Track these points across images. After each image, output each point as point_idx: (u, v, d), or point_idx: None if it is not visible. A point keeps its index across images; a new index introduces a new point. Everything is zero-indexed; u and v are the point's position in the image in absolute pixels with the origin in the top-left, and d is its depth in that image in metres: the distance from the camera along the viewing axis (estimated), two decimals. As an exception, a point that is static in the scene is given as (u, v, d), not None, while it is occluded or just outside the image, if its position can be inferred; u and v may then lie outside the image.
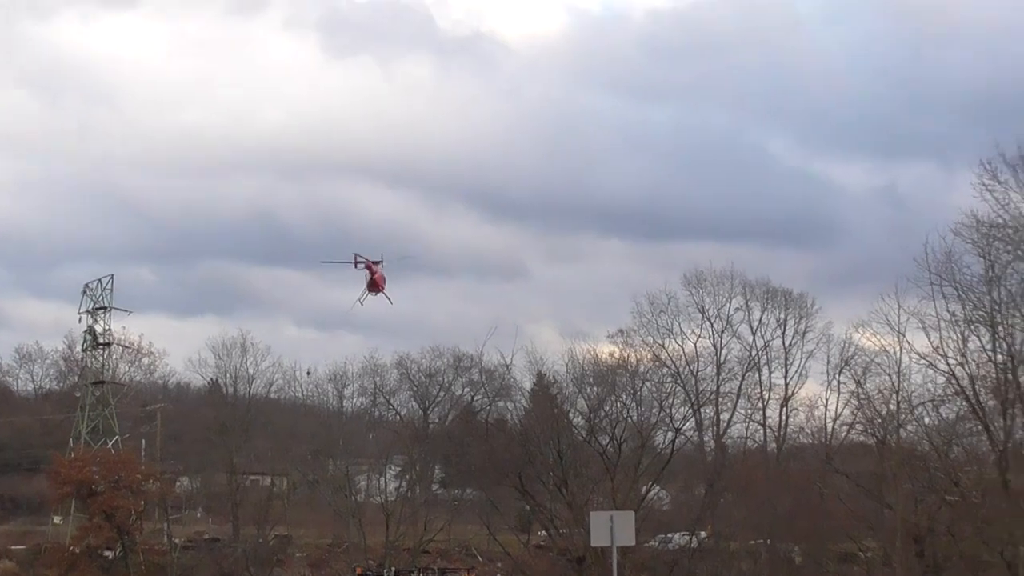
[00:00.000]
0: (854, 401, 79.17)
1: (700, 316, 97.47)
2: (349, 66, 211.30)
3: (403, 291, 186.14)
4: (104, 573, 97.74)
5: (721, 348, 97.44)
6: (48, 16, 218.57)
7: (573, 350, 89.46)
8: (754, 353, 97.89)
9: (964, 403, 61.66)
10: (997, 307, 61.35)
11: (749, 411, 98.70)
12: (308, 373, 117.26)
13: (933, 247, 62.16)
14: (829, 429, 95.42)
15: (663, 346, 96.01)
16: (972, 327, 61.75)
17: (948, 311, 61.50)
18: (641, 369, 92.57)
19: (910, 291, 64.87)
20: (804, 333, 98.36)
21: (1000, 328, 61.24)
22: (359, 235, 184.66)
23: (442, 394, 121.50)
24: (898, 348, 66.60)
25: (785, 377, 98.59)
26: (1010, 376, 61.11)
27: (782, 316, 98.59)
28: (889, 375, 69.68)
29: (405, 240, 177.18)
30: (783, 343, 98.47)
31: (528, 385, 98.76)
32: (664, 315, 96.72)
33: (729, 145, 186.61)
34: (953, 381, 61.59)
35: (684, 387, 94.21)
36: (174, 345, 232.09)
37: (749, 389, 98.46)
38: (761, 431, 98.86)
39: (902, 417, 68.67)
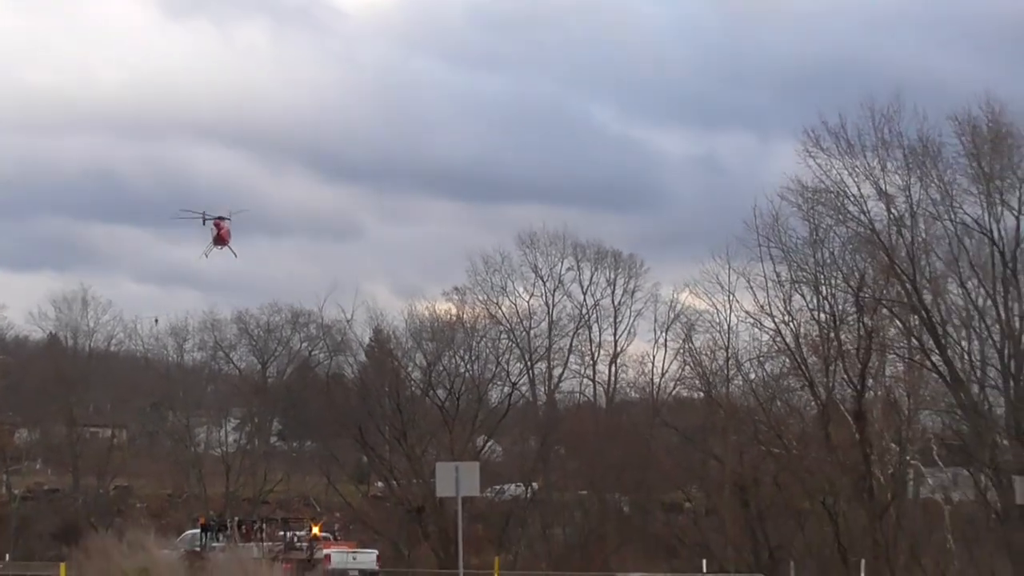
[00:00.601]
0: (683, 357, 79.92)
1: (533, 275, 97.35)
2: (187, 28, 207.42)
3: (241, 249, 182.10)
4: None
5: (553, 306, 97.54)
6: None
7: (412, 306, 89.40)
8: (584, 311, 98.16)
9: (789, 360, 62.53)
10: (820, 268, 62.35)
11: (580, 367, 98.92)
12: (156, 321, 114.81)
13: (761, 210, 62.89)
14: (656, 384, 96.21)
15: (497, 304, 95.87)
16: (797, 287, 62.75)
17: (775, 272, 62.24)
18: (477, 326, 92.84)
19: (739, 253, 65.64)
20: (633, 292, 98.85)
21: (823, 288, 62.24)
22: (198, 194, 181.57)
23: (280, 349, 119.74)
24: (727, 307, 67.33)
25: (615, 335, 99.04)
26: (832, 334, 62.14)
27: (612, 276, 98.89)
28: (718, 332, 70.62)
29: (243, 199, 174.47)
30: (612, 302, 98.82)
31: (367, 340, 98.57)
32: (498, 274, 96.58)
33: (556, 113, 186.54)
34: (779, 339, 62.45)
35: (518, 344, 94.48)
36: (10, 299, 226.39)
37: (580, 346, 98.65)
38: (592, 387, 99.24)
39: (729, 373, 69.50)
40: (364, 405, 79.17)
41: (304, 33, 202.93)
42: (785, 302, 62.41)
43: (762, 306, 62.97)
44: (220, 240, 68.94)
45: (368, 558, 61.37)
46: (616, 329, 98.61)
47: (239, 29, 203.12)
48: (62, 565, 43.62)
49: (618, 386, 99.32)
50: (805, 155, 61.52)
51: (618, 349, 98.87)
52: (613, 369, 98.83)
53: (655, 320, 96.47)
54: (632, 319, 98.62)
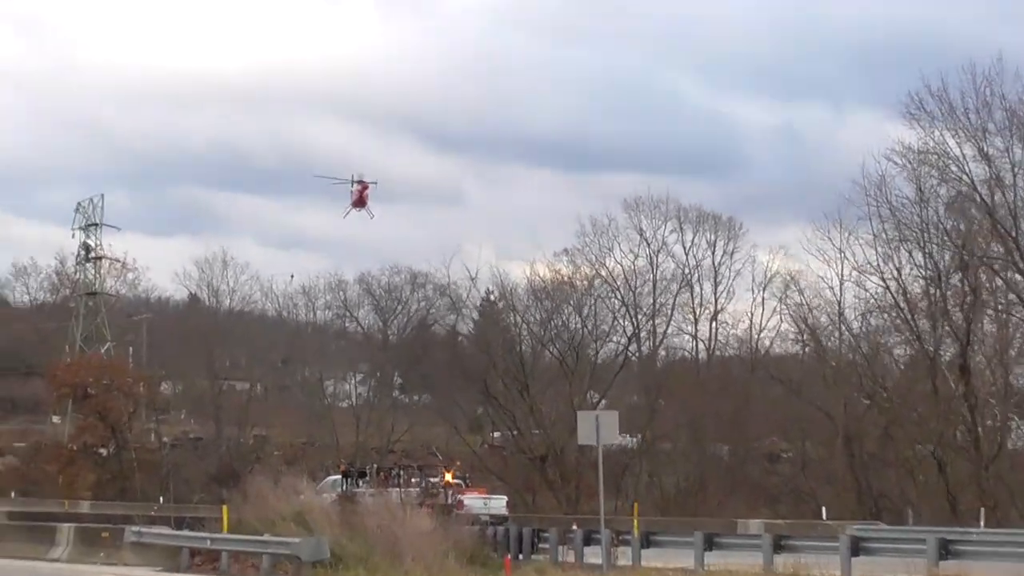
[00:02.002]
0: (787, 313, 77.37)
1: (638, 237, 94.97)
2: (301, 8, 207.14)
3: (355, 216, 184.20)
4: (99, 469, 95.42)
5: (657, 267, 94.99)
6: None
7: (531, 267, 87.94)
8: (687, 271, 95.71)
9: (896, 315, 59.97)
10: (925, 227, 59.78)
11: (682, 324, 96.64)
12: (292, 277, 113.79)
13: (868, 171, 60.40)
14: (755, 340, 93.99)
15: (605, 264, 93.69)
16: (904, 245, 60.16)
17: (883, 230, 59.71)
18: (586, 285, 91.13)
19: (847, 213, 63.16)
20: (732, 253, 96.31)
21: (928, 246, 59.72)
22: (315, 164, 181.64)
23: (400, 308, 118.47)
24: (839, 264, 64.76)
25: (715, 293, 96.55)
26: (936, 291, 59.64)
27: (712, 238, 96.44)
28: (823, 289, 68.11)
29: (356, 169, 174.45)
30: (713, 262, 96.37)
31: (480, 300, 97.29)
32: (605, 236, 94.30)
33: (645, 85, 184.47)
34: (886, 295, 59.91)
35: (624, 302, 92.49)
36: (150, 263, 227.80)
37: (683, 304, 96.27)
38: (693, 343, 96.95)
39: (835, 328, 67.03)
40: (487, 359, 77.44)
41: (409, 12, 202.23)
42: (892, 259, 59.79)
43: (869, 263, 60.44)
44: (360, 202, 67.73)
45: (499, 504, 59.61)
46: (716, 288, 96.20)
47: (347, 8, 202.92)
48: (224, 507, 42.15)
49: (718, 342, 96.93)
50: (910, 118, 58.94)
51: (718, 307, 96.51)
52: (714, 326, 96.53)
53: (752, 279, 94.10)
54: (732, 278, 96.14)
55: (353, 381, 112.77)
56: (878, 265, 60.47)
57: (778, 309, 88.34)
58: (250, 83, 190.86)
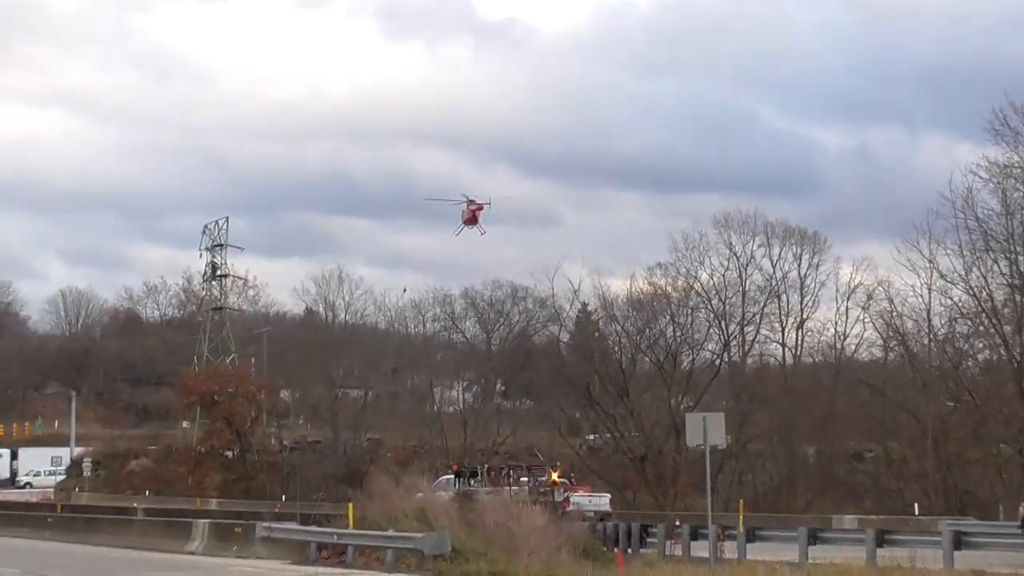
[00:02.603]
0: (875, 320, 75.60)
1: (728, 252, 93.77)
2: (403, 47, 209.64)
3: (455, 237, 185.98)
4: (224, 470, 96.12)
5: (746, 279, 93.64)
6: (153, 8, 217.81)
7: (633, 279, 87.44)
8: (774, 283, 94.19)
9: (985, 321, 58.50)
10: (1010, 238, 58.25)
11: (771, 333, 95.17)
12: (404, 291, 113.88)
13: (955, 184, 59.03)
14: (840, 347, 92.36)
15: (696, 277, 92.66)
16: (990, 255, 58.66)
17: (971, 241, 58.27)
18: (679, 297, 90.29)
19: (935, 224, 61.66)
20: (817, 266, 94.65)
21: (1015, 256, 58.22)
22: (419, 189, 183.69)
23: (502, 320, 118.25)
24: (928, 273, 63.16)
25: (801, 303, 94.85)
26: (1021, 297, 58.12)
27: (798, 251, 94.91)
28: (915, 296, 66.41)
29: (456, 193, 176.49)
30: (799, 274, 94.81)
31: (577, 312, 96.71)
32: (696, 250, 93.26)
33: (724, 112, 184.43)
34: (974, 302, 58.44)
35: (715, 312, 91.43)
36: (268, 281, 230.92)
37: (770, 314, 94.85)
38: (781, 350, 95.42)
39: (922, 334, 65.55)
40: (589, 367, 76.78)
41: (502, 48, 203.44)
42: (977, 268, 58.32)
43: (956, 272, 59.02)
44: (472, 220, 67.56)
45: (603, 501, 59.13)
46: (802, 298, 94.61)
47: (447, 45, 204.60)
48: (350, 504, 41.93)
49: (804, 349, 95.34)
50: (994, 133, 57.55)
51: (804, 316, 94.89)
52: (800, 334, 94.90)
53: (836, 290, 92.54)
54: (817, 289, 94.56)
55: (460, 388, 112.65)
56: (964, 274, 59.01)
57: (861, 317, 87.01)
58: (357, 114, 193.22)
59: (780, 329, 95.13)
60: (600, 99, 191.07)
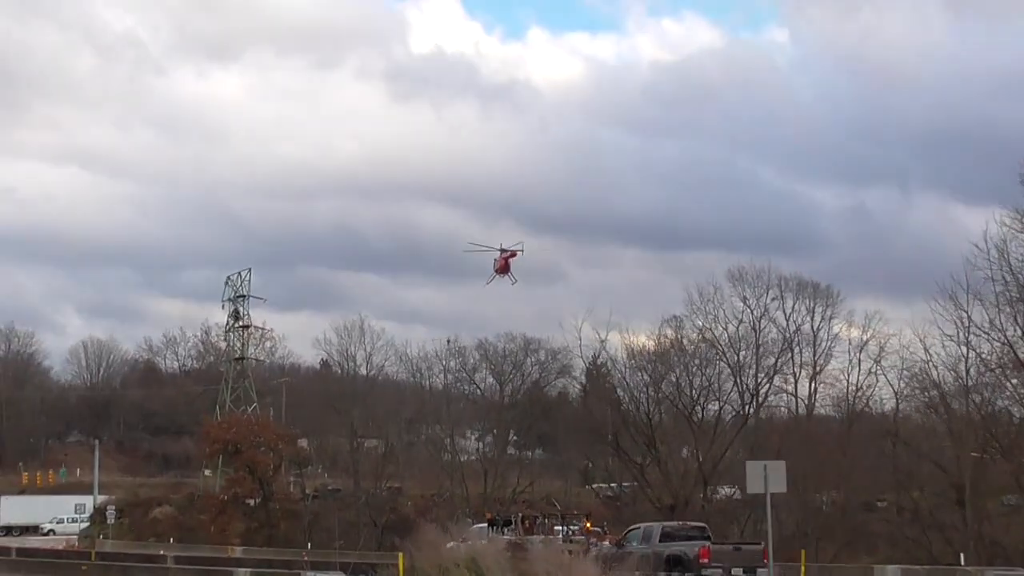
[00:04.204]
0: (904, 372, 73.23)
1: (742, 305, 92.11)
2: (410, 108, 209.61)
3: (462, 292, 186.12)
4: (247, 518, 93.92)
5: (760, 331, 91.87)
6: (168, 71, 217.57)
7: (646, 333, 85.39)
8: (788, 335, 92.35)
9: (1012, 373, 56.54)
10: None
11: (784, 384, 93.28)
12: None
13: (990, 235, 57.27)
14: (852, 398, 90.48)
15: (711, 329, 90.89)
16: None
17: (1007, 291, 56.43)
18: (696, 349, 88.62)
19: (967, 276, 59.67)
20: (830, 319, 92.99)
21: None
22: (425, 246, 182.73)
23: (514, 371, 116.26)
24: (964, 324, 60.80)
25: (814, 355, 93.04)
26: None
27: (811, 304, 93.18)
28: (942, 348, 64.27)
29: (462, 247, 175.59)
30: (812, 327, 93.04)
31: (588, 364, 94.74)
32: (711, 303, 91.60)
33: (724, 172, 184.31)
34: (1008, 352, 56.56)
35: (729, 364, 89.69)
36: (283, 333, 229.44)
37: (783, 365, 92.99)
38: (794, 401, 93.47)
39: (950, 385, 63.50)
40: (617, 417, 74.81)
41: (506, 109, 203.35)
42: (1014, 319, 56.42)
43: (992, 323, 57.15)
44: (504, 269, 65.89)
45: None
46: (816, 350, 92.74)
47: (452, 107, 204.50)
48: (400, 555, 39.95)
49: (817, 400, 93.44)
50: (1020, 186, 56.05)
51: (817, 368, 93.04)
52: (813, 385, 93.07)
53: (849, 342, 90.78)
54: (829, 342, 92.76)
55: (482, 440, 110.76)
56: (1000, 324, 57.16)
57: (873, 370, 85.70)
58: (365, 173, 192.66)
59: (794, 381, 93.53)
60: (601, 159, 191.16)
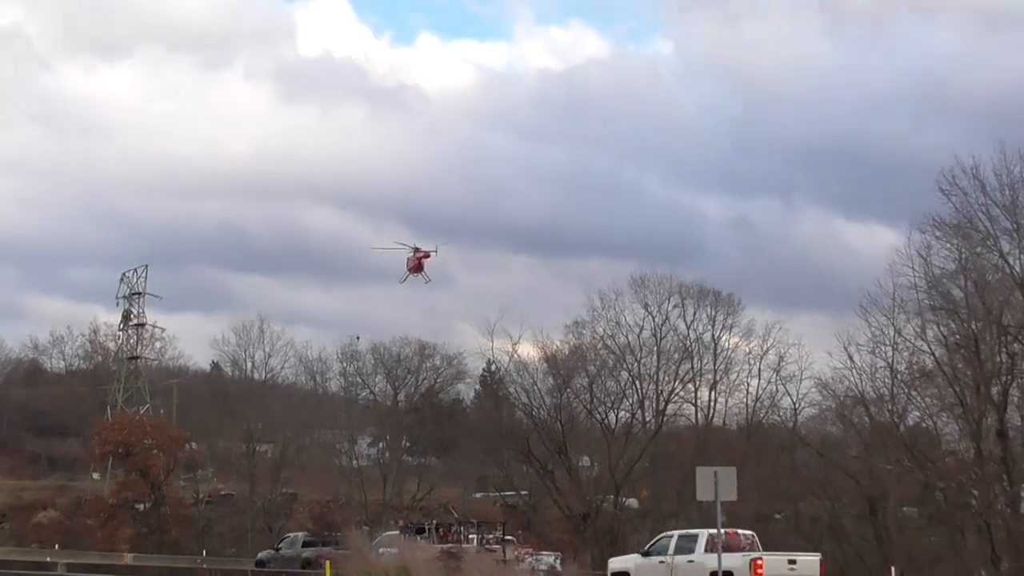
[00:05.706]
0: (816, 381, 71.04)
1: (643, 311, 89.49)
2: (298, 109, 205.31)
3: (351, 294, 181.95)
4: (137, 523, 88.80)
5: (661, 339, 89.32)
6: (55, 67, 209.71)
7: (545, 338, 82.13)
8: (688, 343, 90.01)
9: (945, 386, 54.38)
10: (964, 298, 54.54)
11: (683, 393, 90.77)
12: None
13: (913, 242, 55.38)
14: (751, 407, 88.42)
15: (611, 336, 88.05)
16: (940, 313, 54.86)
17: (928, 302, 54.43)
18: (595, 356, 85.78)
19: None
20: (731, 328, 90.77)
21: (964, 314, 54.54)
22: (313, 247, 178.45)
23: (409, 376, 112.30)
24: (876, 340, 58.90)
25: (714, 364, 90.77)
26: (976, 359, 54.27)
27: (712, 312, 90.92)
28: (848, 359, 62.22)
29: (350, 251, 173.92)
30: (713, 335, 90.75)
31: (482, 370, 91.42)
32: (612, 310, 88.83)
33: (611, 181, 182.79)
34: (924, 364, 54.59)
35: (630, 371, 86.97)
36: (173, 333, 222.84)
37: (684, 374, 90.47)
38: (694, 410, 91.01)
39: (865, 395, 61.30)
40: (532, 422, 71.50)
41: (394, 113, 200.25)
42: (929, 329, 54.52)
43: (916, 332, 55.06)
44: (418, 268, 62.88)
45: (550, 560, 53.87)
46: (716, 359, 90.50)
47: (341, 109, 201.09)
48: (327, 563, 36.22)
49: (717, 408, 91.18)
50: (941, 194, 54.21)
51: (717, 377, 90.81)
52: (713, 394, 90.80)
53: (748, 351, 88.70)
54: (730, 350, 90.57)
55: (371, 445, 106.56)
56: (924, 333, 55.17)
57: (773, 379, 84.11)
58: (253, 172, 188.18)
59: (694, 389, 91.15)
60: (490, 165, 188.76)
